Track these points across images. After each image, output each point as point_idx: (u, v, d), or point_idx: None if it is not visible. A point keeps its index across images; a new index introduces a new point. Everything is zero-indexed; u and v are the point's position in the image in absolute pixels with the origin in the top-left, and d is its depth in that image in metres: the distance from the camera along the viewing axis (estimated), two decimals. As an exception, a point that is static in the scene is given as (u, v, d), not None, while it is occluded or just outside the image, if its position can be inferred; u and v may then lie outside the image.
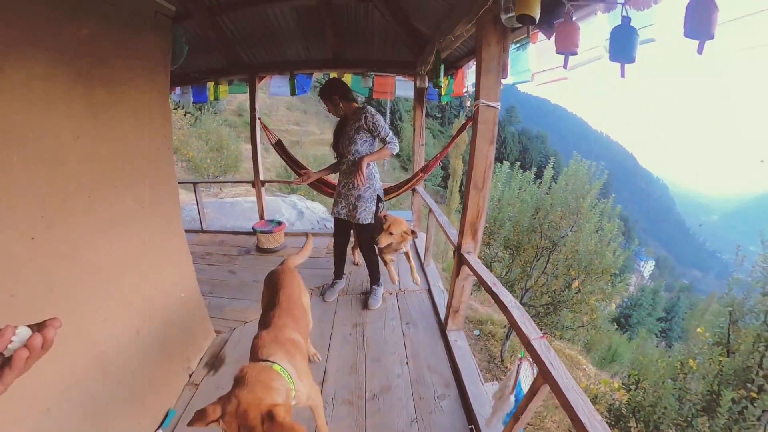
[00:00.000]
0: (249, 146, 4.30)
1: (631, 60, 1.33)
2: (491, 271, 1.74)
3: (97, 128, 1.48)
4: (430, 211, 3.11)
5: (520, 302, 3.92)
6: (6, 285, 1.16)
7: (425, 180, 4.12)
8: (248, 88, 4.00)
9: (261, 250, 3.96)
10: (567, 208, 5.99)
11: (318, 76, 4.36)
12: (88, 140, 1.44)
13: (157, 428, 1.85)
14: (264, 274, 2.67)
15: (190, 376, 2.20)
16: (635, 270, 36.66)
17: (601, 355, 9.43)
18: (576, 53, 1.48)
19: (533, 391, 1.25)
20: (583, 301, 5.99)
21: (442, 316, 2.62)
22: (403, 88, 3.97)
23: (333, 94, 2.53)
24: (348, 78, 3.94)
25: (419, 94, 3.81)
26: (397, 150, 2.54)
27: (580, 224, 5.96)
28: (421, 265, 3.50)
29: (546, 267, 6.29)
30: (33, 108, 1.24)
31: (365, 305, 2.88)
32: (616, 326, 13.67)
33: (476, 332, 7.72)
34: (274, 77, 3.95)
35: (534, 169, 7.76)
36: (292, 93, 3.87)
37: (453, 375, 2.18)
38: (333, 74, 3.90)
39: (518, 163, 7.41)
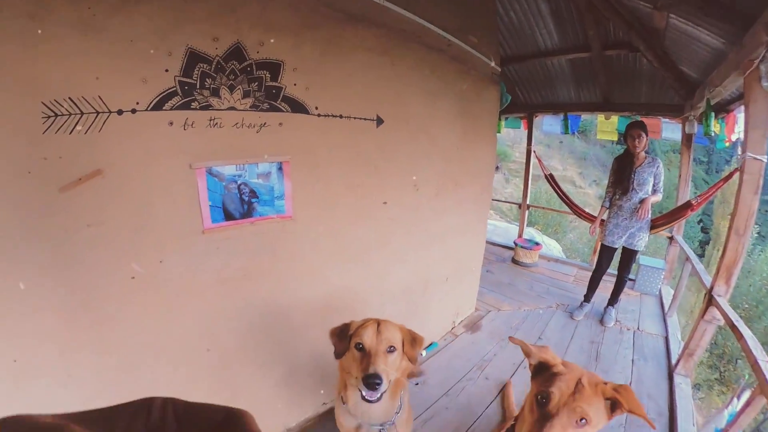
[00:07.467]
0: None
1: None
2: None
3: (465, 144, 2.55)
4: (687, 258, 3.10)
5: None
6: (409, 220, 2.26)
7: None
8: (523, 124, 4.86)
9: (515, 261, 4.72)
10: None
11: (586, 117, 4.76)
12: (461, 151, 2.53)
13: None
14: (517, 280, 3.80)
15: (453, 328, 3.08)
16: None
17: None
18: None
19: (749, 402, 1.45)
20: None
21: (674, 361, 2.68)
22: (669, 129, 3.95)
23: (647, 134, 2.95)
24: (615, 120, 4.22)
25: (687, 139, 3.70)
26: (660, 199, 2.96)
27: None
28: (664, 315, 3.48)
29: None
30: (443, 131, 2.35)
31: (601, 321, 3.27)
32: None
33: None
34: (546, 116, 4.64)
35: None
36: (565, 132, 4.45)
37: (668, 410, 2.29)
38: (600, 116, 4.27)
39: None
